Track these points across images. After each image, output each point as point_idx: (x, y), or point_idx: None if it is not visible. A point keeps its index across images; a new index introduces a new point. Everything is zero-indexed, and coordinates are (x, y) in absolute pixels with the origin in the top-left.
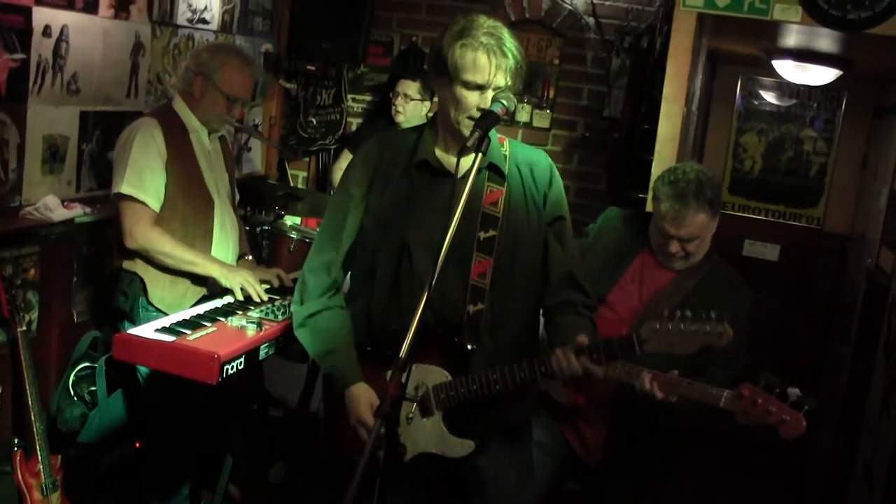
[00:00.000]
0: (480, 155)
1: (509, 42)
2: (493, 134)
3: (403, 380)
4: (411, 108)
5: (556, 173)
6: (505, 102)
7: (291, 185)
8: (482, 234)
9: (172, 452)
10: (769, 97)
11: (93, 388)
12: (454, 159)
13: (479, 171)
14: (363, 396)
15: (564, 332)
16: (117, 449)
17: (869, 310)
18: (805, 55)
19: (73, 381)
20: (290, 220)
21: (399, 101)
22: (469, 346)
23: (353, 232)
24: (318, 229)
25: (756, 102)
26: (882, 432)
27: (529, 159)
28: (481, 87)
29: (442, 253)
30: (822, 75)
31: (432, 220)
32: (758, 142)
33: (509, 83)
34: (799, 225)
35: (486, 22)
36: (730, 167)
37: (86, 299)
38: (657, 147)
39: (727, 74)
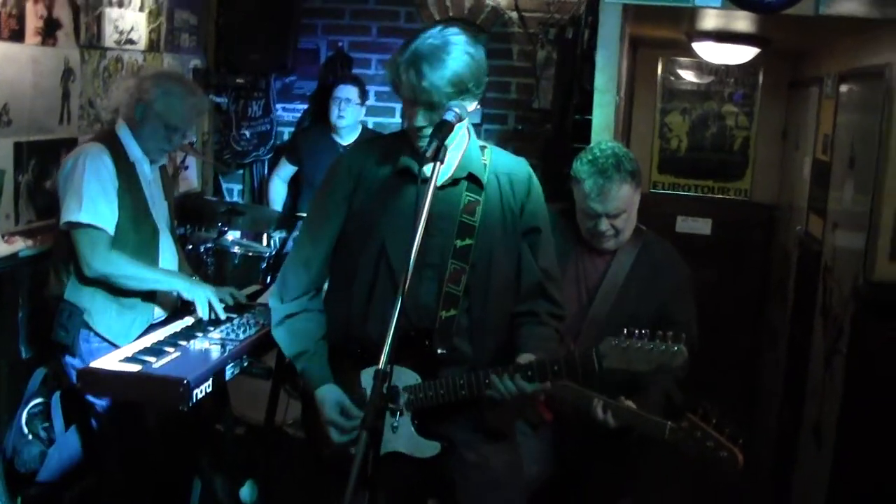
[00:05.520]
0: (440, 163)
1: (443, 55)
2: (475, 142)
3: (384, 390)
4: (352, 112)
5: (536, 184)
6: (457, 110)
7: (226, 199)
8: (459, 243)
9: (132, 483)
10: (688, 76)
11: (46, 425)
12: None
13: (458, 181)
14: (330, 397)
15: (522, 344)
16: (78, 484)
17: (803, 275)
18: (724, 37)
19: (26, 418)
20: (232, 235)
21: (342, 105)
22: (439, 351)
23: (332, 232)
24: (300, 228)
25: (677, 82)
26: (827, 391)
27: (509, 169)
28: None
29: (411, 261)
30: (741, 54)
31: (410, 226)
32: (682, 121)
33: (450, 91)
34: (728, 198)
35: (424, 37)
36: (657, 147)
37: (32, 334)
38: (593, 137)
39: (648, 57)
